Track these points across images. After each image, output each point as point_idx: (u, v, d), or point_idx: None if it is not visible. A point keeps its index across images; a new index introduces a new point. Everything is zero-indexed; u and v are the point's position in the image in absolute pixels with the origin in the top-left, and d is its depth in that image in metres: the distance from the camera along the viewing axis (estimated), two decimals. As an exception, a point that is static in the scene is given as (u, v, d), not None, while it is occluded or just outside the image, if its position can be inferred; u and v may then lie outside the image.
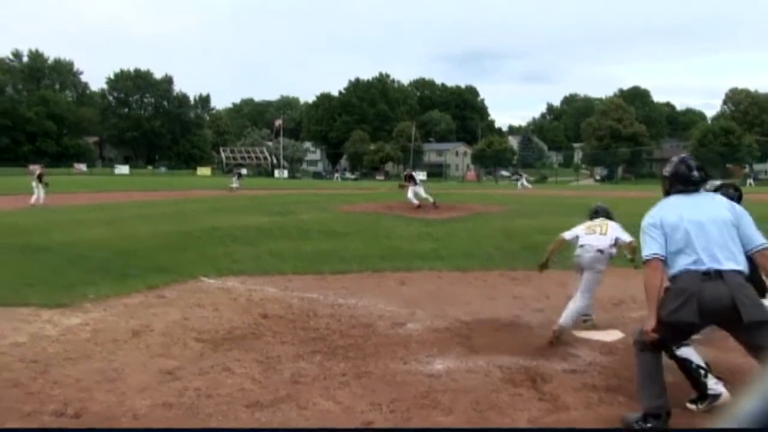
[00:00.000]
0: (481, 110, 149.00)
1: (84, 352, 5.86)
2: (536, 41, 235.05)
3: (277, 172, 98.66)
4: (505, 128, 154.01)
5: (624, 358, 5.74)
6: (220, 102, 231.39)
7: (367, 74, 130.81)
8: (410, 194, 23.57)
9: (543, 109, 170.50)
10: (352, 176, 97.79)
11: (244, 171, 52.69)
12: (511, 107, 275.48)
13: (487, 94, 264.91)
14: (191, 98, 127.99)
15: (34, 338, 6.30)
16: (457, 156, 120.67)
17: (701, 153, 78.59)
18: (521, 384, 5.21)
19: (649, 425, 4.26)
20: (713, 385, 4.64)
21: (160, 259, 11.29)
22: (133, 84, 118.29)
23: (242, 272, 10.06)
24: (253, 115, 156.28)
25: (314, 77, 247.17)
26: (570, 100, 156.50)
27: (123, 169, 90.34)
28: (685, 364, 4.70)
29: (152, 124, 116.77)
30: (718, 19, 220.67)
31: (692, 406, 4.64)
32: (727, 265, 4.09)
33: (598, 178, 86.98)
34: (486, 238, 14.89)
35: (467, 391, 5.04)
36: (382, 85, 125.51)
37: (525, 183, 53.82)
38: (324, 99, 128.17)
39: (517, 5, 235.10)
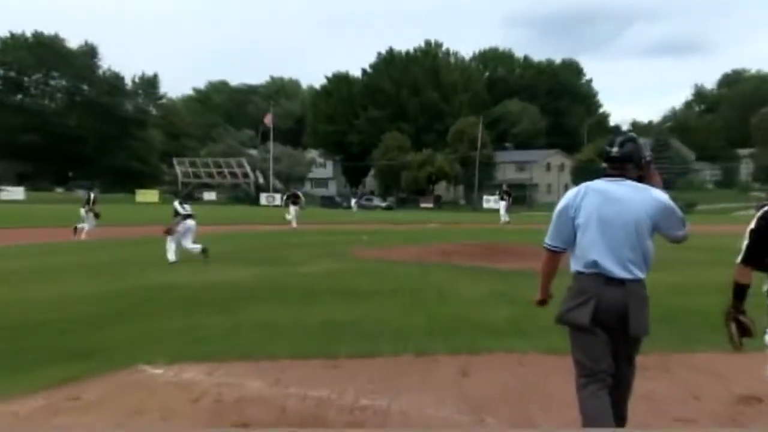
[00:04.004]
0: (587, 99, 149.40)
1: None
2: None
3: (264, 198, 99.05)
4: (625, 126, 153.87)
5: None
6: (175, 86, 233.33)
7: (407, 43, 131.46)
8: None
9: (688, 95, 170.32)
10: (383, 203, 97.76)
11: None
12: (636, 94, 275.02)
13: (597, 74, 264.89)
14: (127, 80, 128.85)
15: None
16: (549, 171, 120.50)
17: None
18: None
19: None
20: None
21: (76, 336, 11.36)
22: (32, 55, 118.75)
23: (208, 356, 10.06)
24: (227, 108, 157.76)
25: (323, 49, 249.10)
26: (732, 81, 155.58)
27: (15, 193, 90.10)
28: None
29: (64, 120, 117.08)
30: None
31: None
32: (628, 273, 5.67)
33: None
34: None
35: None
36: (430, 59, 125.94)
37: (503, 214, 52.49)
38: (339, 83, 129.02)
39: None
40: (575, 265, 5.89)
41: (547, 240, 6.06)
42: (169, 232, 23.10)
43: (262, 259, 22.57)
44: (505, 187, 55.86)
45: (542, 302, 6.41)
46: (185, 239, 22.82)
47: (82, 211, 34.73)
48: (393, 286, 17.03)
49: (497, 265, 21.11)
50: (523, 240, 30.94)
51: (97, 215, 34.56)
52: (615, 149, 5.94)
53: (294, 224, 44.83)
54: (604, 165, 6.02)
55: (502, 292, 16.04)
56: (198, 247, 22.69)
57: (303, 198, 51.32)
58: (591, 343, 5.76)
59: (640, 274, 5.69)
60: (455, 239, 31.90)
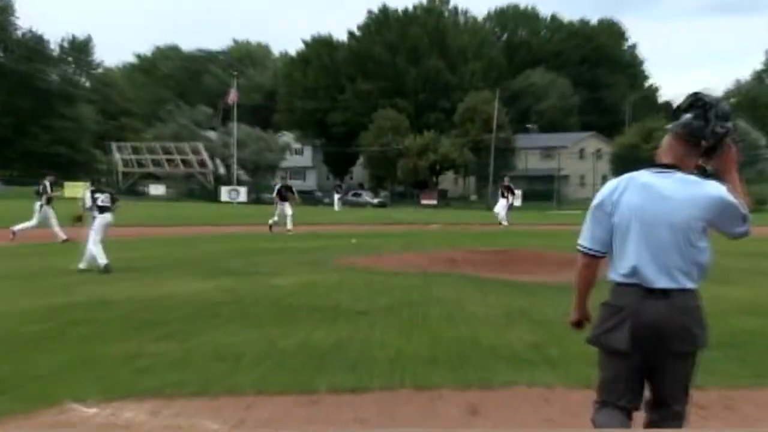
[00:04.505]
0: (631, 69, 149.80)
1: None
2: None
3: (225, 192, 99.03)
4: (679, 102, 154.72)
5: None
6: (112, 52, 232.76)
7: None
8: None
9: (758, 63, 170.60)
10: (374, 199, 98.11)
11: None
12: (692, 63, 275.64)
13: (643, 38, 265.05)
14: (52, 44, 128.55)
15: None
16: (583, 158, 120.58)
17: None
18: None
19: None
20: None
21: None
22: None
23: (154, 391, 9.96)
24: (179, 80, 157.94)
25: (299, 6, 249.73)
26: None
27: None
28: None
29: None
30: None
31: None
32: (674, 283, 5.74)
33: None
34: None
35: None
36: (433, 19, 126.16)
37: (500, 213, 51.78)
38: (320, 49, 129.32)
39: None
40: (612, 274, 5.95)
41: (581, 241, 6.09)
42: (80, 219, 22.92)
43: (224, 269, 22.61)
44: (505, 182, 54.69)
45: (578, 324, 6.45)
46: (101, 236, 22.53)
47: (37, 205, 35.14)
48: (387, 301, 16.98)
49: (516, 277, 21.13)
50: (547, 245, 31.06)
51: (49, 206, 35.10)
52: (686, 118, 5.81)
53: (270, 227, 42.80)
54: (669, 126, 5.95)
55: (522, 310, 16.02)
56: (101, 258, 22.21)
57: (296, 194, 48.94)
58: (623, 371, 5.92)
59: (690, 284, 5.75)
60: (464, 244, 31.95)
